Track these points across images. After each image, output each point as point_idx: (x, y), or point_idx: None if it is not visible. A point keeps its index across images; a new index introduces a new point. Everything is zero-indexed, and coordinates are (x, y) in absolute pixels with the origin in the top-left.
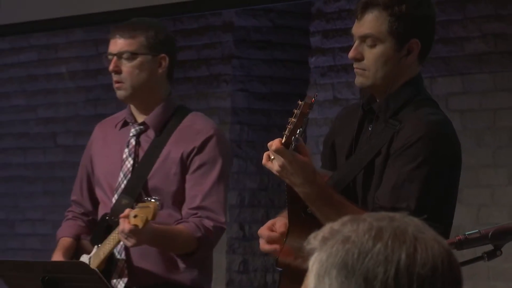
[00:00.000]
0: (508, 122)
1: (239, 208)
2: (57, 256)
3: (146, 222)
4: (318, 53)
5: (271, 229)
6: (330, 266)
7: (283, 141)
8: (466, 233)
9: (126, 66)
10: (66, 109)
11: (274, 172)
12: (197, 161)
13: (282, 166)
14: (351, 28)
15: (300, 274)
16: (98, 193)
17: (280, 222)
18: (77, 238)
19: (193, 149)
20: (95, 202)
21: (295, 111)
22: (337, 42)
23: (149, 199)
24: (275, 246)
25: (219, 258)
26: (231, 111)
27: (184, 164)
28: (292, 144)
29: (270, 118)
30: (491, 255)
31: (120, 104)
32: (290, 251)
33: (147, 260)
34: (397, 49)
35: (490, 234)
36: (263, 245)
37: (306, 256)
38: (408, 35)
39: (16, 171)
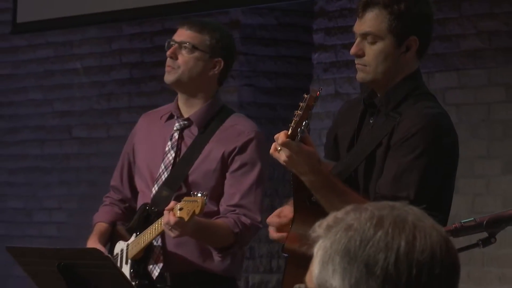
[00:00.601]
0: (501, 116)
1: None
2: (93, 241)
3: (193, 215)
4: (321, 50)
5: (279, 217)
6: (333, 253)
7: (289, 133)
8: (462, 221)
9: (183, 56)
10: (81, 103)
11: (281, 162)
12: (238, 161)
13: (289, 157)
14: (352, 26)
15: (305, 259)
16: (138, 182)
17: (287, 210)
18: (112, 224)
19: (234, 149)
20: (133, 190)
21: (301, 104)
22: (338, 39)
23: (197, 193)
24: (283, 234)
25: None
26: (238, 105)
27: (224, 163)
28: (298, 136)
29: (275, 112)
30: (486, 242)
31: (132, 99)
32: (295, 237)
33: (182, 248)
34: (397, 46)
35: (485, 222)
36: (273, 233)
37: (311, 243)
38: (407, 33)
39: (33, 162)
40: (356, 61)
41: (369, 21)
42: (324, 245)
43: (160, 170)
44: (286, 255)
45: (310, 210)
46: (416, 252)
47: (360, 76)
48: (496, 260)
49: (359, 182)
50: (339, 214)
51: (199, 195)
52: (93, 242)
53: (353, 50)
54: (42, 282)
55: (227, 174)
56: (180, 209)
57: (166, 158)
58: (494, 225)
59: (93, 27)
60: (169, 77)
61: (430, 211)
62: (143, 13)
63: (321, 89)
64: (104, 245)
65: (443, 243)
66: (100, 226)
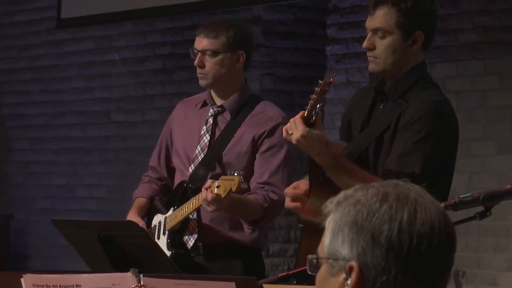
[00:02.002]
0: (496, 102)
1: None
2: (132, 214)
3: (229, 192)
4: (334, 43)
5: (295, 189)
6: (343, 225)
7: (305, 114)
8: (461, 196)
9: (209, 62)
10: (118, 91)
11: (294, 143)
12: (267, 143)
13: (297, 140)
14: (362, 21)
15: (318, 229)
16: (176, 162)
17: (302, 183)
18: (151, 199)
19: (263, 132)
20: (170, 170)
21: (316, 89)
22: (350, 33)
23: (233, 173)
24: (298, 204)
25: None
26: (260, 92)
27: (255, 145)
28: (313, 117)
29: (292, 98)
30: (482, 215)
31: (165, 87)
32: (310, 209)
33: (215, 221)
34: (404, 40)
35: (481, 197)
36: (288, 203)
37: (323, 215)
38: (413, 28)
39: (76, 144)
40: (368, 54)
41: (379, 18)
42: (335, 218)
43: (197, 152)
44: (301, 225)
45: (323, 185)
46: (417, 224)
47: (371, 67)
48: (491, 231)
49: (369, 160)
50: (349, 191)
51: (236, 174)
52: (132, 215)
53: (365, 44)
54: (83, 251)
55: (257, 155)
56: (218, 187)
57: (202, 141)
58: (490, 199)
59: (130, 22)
60: (203, 83)
61: (431, 188)
62: (174, 9)
63: (334, 75)
64: (142, 218)
65: (441, 217)
66: (139, 200)
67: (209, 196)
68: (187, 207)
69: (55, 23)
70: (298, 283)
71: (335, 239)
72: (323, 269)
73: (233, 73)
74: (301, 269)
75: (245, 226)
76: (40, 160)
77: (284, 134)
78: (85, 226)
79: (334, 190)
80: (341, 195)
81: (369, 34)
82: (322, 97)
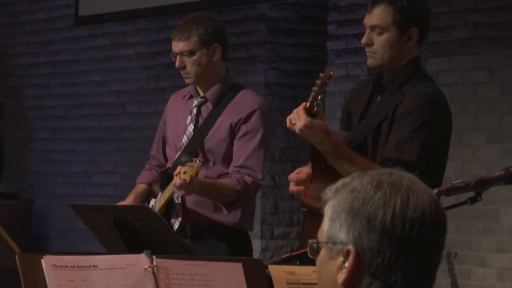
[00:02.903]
0: (485, 94)
1: (271, 163)
2: (129, 198)
3: (191, 178)
4: (334, 39)
5: (299, 173)
6: (340, 210)
7: (307, 105)
8: (453, 182)
9: (188, 62)
10: (133, 84)
11: (297, 132)
12: (243, 129)
13: (300, 130)
14: (361, 19)
15: (320, 214)
16: (167, 150)
17: (305, 169)
18: (150, 185)
19: (240, 119)
20: (167, 158)
21: (317, 81)
22: (349, 30)
23: (196, 159)
24: (301, 188)
25: (255, 203)
26: (265, 85)
27: (232, 131)
28: (315, 108)
29: (295, 91)
30: (473, 200)
31: (176, 80)
32: (313, 194)
33: (198, 204)
34: (400, 36)
35: (472, 183)
36: (292, 187)
37: (323, 201)
38: (409, 25)
39: (93, 133)
40: (366, 49)
41: (376, 16)
42: (333, 205)
43: (183, 140)
44: (304, 209)
45: (325, 171)
46: (410, 210)
47: (370, 61)
48: (481, 215)
49: (368, 148)
50: (346, 179)
51: (197, 161)
52: (129, 199)
53: (363, 40)
54: (99, 233)
55: (235, 141)
56: (184, 173)
57: (187, 130)
58: (480, 185)
59: (143, 19)
60: (188, 81)
61: (425, 174)
62: (186, 7)
63: (334, 69)
64: (139, 202)
65: (432, 203)
66: (139, 186)
67: (177, 182)
68: (167, 192)
69: (73, 20)
70: (301, 264)
71: (333, 225)
72: (323, 252)
73: (212, 66)
74: (303, 250)
75: (223, 207)
76: (59, 148)
77: (288, 124)
78: (102, 211)
79: (335, 176)
80: (339, 183)
81: (368, 31)
82: (323, 89)
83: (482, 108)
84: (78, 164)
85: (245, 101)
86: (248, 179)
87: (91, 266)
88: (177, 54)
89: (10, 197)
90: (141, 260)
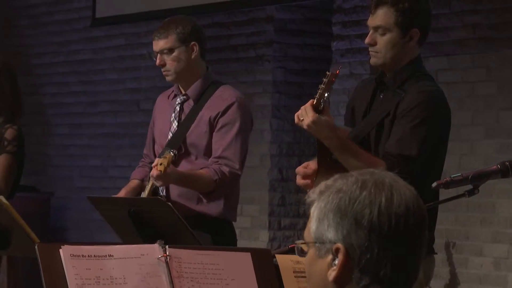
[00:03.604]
0: (483, 91)
1: (278, 157)
2: (121, 192)
3: (165, 169)
4: (338, 39)
5: (305, 168)
6: (328, 211)
7: (314, 102)
8: (452, 176)
9: (168, 59)
10: (147, 82)
11: (304, 128)
12: (221, 122)
13: (308, 125)
14: (364, 20)
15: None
16: (156, 147)
17: (312, 163)
18: (142, 180)
19: (218, 113)
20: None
21: (324, 80)
22: (353, 31)
23: (170, 151)
24: (307, 181)
25: (264, 195)
26: (272, 83)
27: (211, 125)
28: (321, 105)
29: (302, 89)
30: (470, 192)
31: None
32: None
33: (183, 196)
34: (402, 36)
35: (470, 176)
36: (299, 180)
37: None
38: (410, 26)
39: (109, 129)
40: (369, 49)
41: (379, 17)
42: (319, 206)
43: (169, 136)
44: None
45: (330, 166)
46: (394, 207)
47: (373, 60)
48: (478, 207)
49: (371, 144)
50: (329, 182)
51: (171, 153)
52: (120, 193)
53: (367, 40)
54: (115, 224)
55: (213, 134)
56: (161, 164)
57: (171, 127)
58: (477, 179)
59: (156, 21)
60: (168, 79)
61: (424, 169)
62: (196, 10)
63: (340, 68)
64: (131, 195)
65: (414, 200)
66: (132, 182)
67: (154, 173)
68: (148, 184)
69: (91, 21)
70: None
71: (321, 225)
72: (311, 252)
73: (191, 63)
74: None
75: (203, 198)
76: (77, 143)
77: (296, 120)
78: (117, 203)
79: (340, 170)
80: (322, 185)
81: (371, 31)
82: (329, 87)
83: (480, 105)
84: (95, 159)
85: (223, 96)
86: (226, 169)
87: (107, 256)
88: (157, 53)
89: (30, 190)
90: (155, 249)
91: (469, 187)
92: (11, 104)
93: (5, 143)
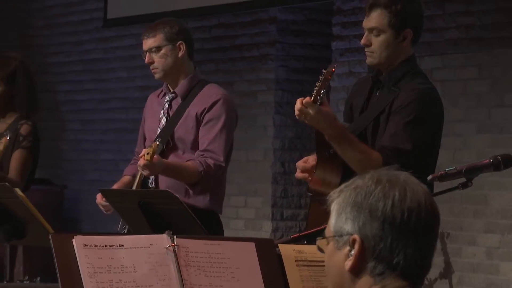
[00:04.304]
0: (475, 89)
1: (281, 151)
2: (113, 187)
3: (152, 157)
4: (338, 39)
5: (305, 162)
6: (345, 205)
7: (311, 99)
8: (446, 169)
9: (156, 57)
10: (156, 80)
11: (307, 122)
12: (207, 117)
13: (311, 117)
14: (362, 21)
15: (324, 197)
16: (146, 143)
17: (311, 158)
18: (134, 176)
19: (204, 109)
20: None
21: (320, 77)
22: (352, 31)
23: (156, 141)
24: (306, 175)
25: (266, 187)
26: (275, 81)
27: (198, 121)
28: (318, 101)
29: (303, 86)
30: (464, 185)
31: None
32: (317, 180)
33: (171, 189)
34: (396, 37)
35: (463, 170)
36: (298, 174)
37: (329, 184)
38: (403, 26)
39: (120, 125)
40: (365, 50)
41: (374, 19)
42: (338, 202)
43: (157, 132)
44: (310, 193)
45: (328, 160)
46: (407, 201)
47: (369, 60)
48: (472, 199)
49: (368, 138)
50: (348, 182)
51: (157, 141)
52: (112, 188)
53: (363, 41)
54: (126, 216)
55: (200, 128)
56: (147, 153)
57: (160, 123)
58: (470, 172)
59: None
60: (156, 76)
61: (419, 163)
62: (204, 11)
63: (336, 66)
64: None
65: (426, 195)
66: (124, 178)
67: (141, 162)
68: (137, 176)
69: (102, 22)
70: (308, 243)
71: (339, 218)
72: (330, 246)
73: (178, 62)
74: (311, 231)
75: (189, 189)
76: (89, 138)
77: (297, 113)
78: (128, 195)
79: (337, 164)
80: (342, 186)
81: (366, 33)
82: (326, 84)
83: (472, 102)
84: (107, 153)
85: (209, 93)
86: (210, 162)
87: (118, 245)
88: (146, 51)
89: (45, 182)
90: (163, 239)
91: (463, 180)
92: (27, 101)
93: (21, 138)
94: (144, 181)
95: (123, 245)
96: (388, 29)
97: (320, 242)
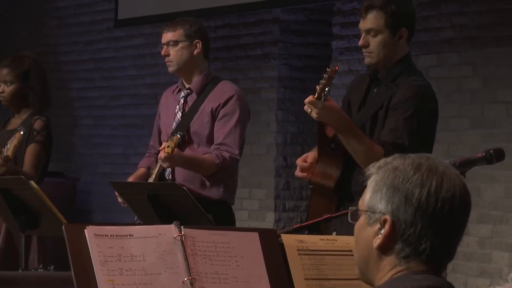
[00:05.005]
0: (469, 86)
1: (283, 146)
2: (129, 179)
3: (173, 150)
4: (338, 39)
5: (305, 161)
6: (382, 185)
7: (315, 96)
8: None
9: (172, 51)
10: (164, 77)
11: (314, 117)
12: (221, 113)
13: (317, 112)
14: (359, 22)
15: (324, 190)
16: (162, 137)
17: (311, 156)
18: (148, 168)
19: (219, 105)
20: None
21: (324, 75)
22: (351, 31)
23: (176, 134)
24: (305, 174)
25: (270, 180)
26: (278, 79)
27: (213, 115)
28: (322, 98)
29: (304, 83)
30: None
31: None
32: (319, 173)
33: (187, 181)
34: (392, 36)
35: (457, 163)
36: (297, 173)
37: (329, 177)
38: (399, 26)
39: (130, 120)
40: (363, 50)
41: (370, 20)
42: (376, 179)
43: (173, 127)
44: (311, 186)
45: (329, 154)
46: (443, 191)
47: (367, 60)
48: None
49: (366, 133)
50: (388, 159)
51: (178, 135)
52: (128, 180)
53: (360, 42)
54: (135, 207)
55: (215, 123)
56: (168, 146)
57: (176, 117)
58: (464, 165)
59: None
60: (170, 69)
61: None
62: (209, 12)
63: (339, 64)
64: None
65: (462, 187)
66: (139, 170)
67: (161, 155)
68: (156, 167)
69: (113, 23)
70: (309, 233)
71: (374, 196)
72: (362, 219)
73: (193, 59)
74: (311, 221)
75: (206, 181)
76: (101, 133)
77: (306, 108)
78: (137, 187)
79: (337, 157)
80: (382, 161)
81: (363, 34)
82: (330, 82)
83: (466, 98)
84: (117, 147)
85: (224, 89)
86: (226, 154)
87: (128, 235)
88: (164, 44)
89: (58, 175)
90: (171, 229)
91: None
92: (40, 97)
93: (34, 133)
94: (162, 173)
95: (132, 235)
96: (385, 29)
97: (352, 211)
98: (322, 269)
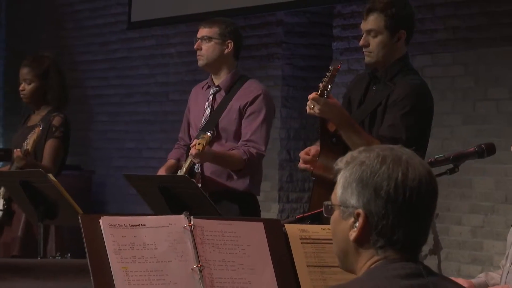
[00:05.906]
0: (462, 84)
1: (287, 140)
2: (161, 170)
3: (204, 147)
4: (338, 40)
5: (307, 153)
6: (351, 181)
7: (318, 93)
8: (435, 156)
9: (205, 46)
10: (175, 76)
11: (317, 114)
12: (249, 111)
13: (320, 109)
14: (361, 23)
15: (326, 182)
16: (191, 131)
17: (314, 149)
18: (178, 160)
19: (247, 103)
20: (191, 139)
21: (327, 74)
22: (351, 33)
23: (207, 132)
24: (308, 166)
25: (274, 173)
26: (282, 77)
27: (241, 113)
28: (325, 95)
29: (307, 82)
30: (452, 171)
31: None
32: (321, 166)
33: (214, 173)
34: (391, 38)
35: (451, 157)
36: (301, 164)
37: (331, 170)
38: (398, 28)
39: (142, 116)
40: (364, 50)
41: (371, 22)
42: (345, 175)
43: (202, 122)
44: (313, 178)
45: (331, 147)
46: (409, 180)
47: (367, 59)
48: (458, 183)
49: (365, 129)
50: (354, 153)
51: (208, 133)
52: (160, 171)
53: (361, 42)
54: (148, 199)
55: (242, 120)
56: (199, 144)
57: (205, 113)
58: (457, 159)
59: (183, 24)
60: (200, 63)
61: (416, 151)
62: (217, 14)
63: (341, 63)
64: (169, 173)
65: (427, 174)
66: (169, 161)
67: (193, 151)
68: (187, 162)
69: (127, 25)
70: (311, 223)
71: (345, 191)
72: (336, 213)
73: (223, 57)
74: (313, 212)
75: (233, 174)
76: (115, 129)
77: (308, 110)
78: (149, 180)
79: (339, 151)
80: (348, 156)
81: (364, 35)
82: (332, 80)
83: (459, 96)
84: (131, 142)
85: (251, 88)
86: (253, 150)
87: (140, 225)
88: (198, 39)
89: (75, 168)
90: (181, 220)
91: (450, 166)
92: (59, 95)
93: (53, 129)
94: (192, 167)
95: (145, 225)
96: (385, 30)
97: (326, 206)
98: (323, 257)
